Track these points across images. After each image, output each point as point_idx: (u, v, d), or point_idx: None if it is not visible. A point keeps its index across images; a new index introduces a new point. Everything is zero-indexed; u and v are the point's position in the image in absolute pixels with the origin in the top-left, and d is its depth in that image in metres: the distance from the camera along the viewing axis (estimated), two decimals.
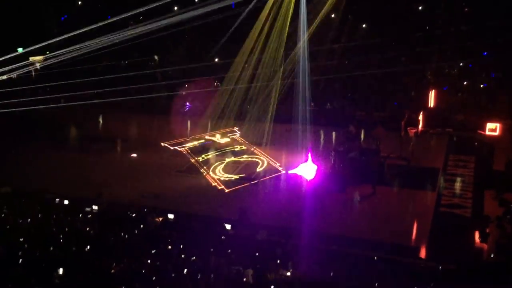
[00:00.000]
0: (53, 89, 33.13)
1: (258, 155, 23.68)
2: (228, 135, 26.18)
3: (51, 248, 14.21)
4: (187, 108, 27.30)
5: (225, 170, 22.22)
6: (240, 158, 23.54)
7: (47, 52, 32.30)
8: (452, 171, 20.76)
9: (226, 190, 20.20)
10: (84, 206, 17.93)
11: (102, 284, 12.11)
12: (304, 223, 16.69)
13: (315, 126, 25.58)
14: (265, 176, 21.36)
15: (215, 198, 19.56)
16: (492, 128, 23.98)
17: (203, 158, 23.60)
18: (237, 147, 24.66)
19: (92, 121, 30.98)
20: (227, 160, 23.25)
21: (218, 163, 22.96)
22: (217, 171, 22.15)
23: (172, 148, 24.78)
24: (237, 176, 21.47)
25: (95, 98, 32.17)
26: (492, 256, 13.83)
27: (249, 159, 23.37)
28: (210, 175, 21.76)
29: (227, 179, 21.31)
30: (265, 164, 22.59)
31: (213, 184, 20.89)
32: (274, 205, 18.18)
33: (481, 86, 27.33)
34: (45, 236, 15.11)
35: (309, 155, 20.71)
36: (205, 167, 22.56)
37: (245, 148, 24.51)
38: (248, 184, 20.65)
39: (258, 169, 22.19)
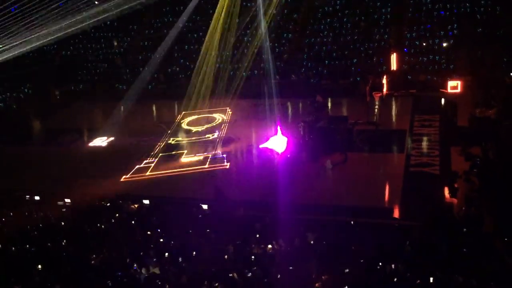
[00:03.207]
0: (9, 82, 32.31)
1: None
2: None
3: (27, 245, 14.00)
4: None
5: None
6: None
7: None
8: (419, 131, 21.22)
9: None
10: (56, 200, 17.68)
11: (83, 276, 12.02)
12: (280, 195, 16.87)
13: (282, 99, 25.69)
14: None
15: (188, 179, 19.54)
16: (454, 86, 24.48)
17: (173, 140, 23.52)
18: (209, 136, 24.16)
19: (55, 113, 30.29)
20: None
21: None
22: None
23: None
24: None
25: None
26: (462, 209, 14.30)
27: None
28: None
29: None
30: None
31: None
32: (248, 181, 18.29)
33: (441, 45, 27.76)
34: (20, 234, 14.86)
35: (279, 128, 20.81)
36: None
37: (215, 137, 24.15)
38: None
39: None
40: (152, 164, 21.14)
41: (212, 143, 22.85)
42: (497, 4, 28.16)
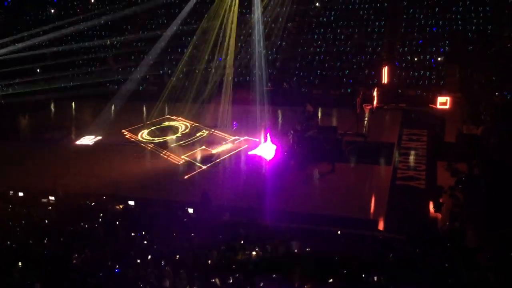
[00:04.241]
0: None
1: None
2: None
3: (8, 242, 13.82)
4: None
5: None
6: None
7: None
8: (406, 145, 21.38)
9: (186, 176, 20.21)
10: (40, 197, 17.50)
11: (64, 276, 11.89)
12: (266, 202, 16.86)
13: (272, 106, 25.74)
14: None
15: (175, 182, 19.46)
16: (443, 102, 24.72)
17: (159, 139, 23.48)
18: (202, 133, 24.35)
19: (43, 110, 30.04)
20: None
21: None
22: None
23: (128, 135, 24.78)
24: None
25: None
26: (446, 224, 14.39)
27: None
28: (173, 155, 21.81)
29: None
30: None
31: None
32: (235, 186, 18.26)
33: (432, 61, 28.06)
34: (1, 230, 14.67)
35: (268, 135, 20.85)
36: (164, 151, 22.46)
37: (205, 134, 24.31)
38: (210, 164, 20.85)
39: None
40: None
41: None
42: (489, 23, 28.56)
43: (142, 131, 25.03)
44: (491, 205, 14.76)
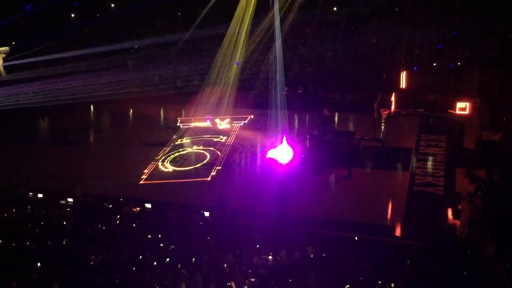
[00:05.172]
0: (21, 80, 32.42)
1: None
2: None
3: (27, 242, 14.02)
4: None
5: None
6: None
7: (13, 43, 31.38)
8: (424, 150, 21.16)
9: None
10: (59, 198, 17.72)
11: (81, 277, 12.01)
12: (282, 207, 16.82)
13: (289, 110, 25.70)
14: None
15: (192, 185, 19.54)
16: (462, 107, 24.42)
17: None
18: (216, 137, 24.23)
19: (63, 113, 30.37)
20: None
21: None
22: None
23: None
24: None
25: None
26: (465, 231, 14.20)
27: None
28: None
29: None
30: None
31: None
32: (251, 191, 18.26)
33: (450, 66, 27.76)
34: (20, 231, 14.89)
35: (284, 139, 20.79)
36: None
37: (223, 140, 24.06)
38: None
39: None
40: None
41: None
42: (508, 27, 28.16)
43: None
44: (509, 212, 14.52)
